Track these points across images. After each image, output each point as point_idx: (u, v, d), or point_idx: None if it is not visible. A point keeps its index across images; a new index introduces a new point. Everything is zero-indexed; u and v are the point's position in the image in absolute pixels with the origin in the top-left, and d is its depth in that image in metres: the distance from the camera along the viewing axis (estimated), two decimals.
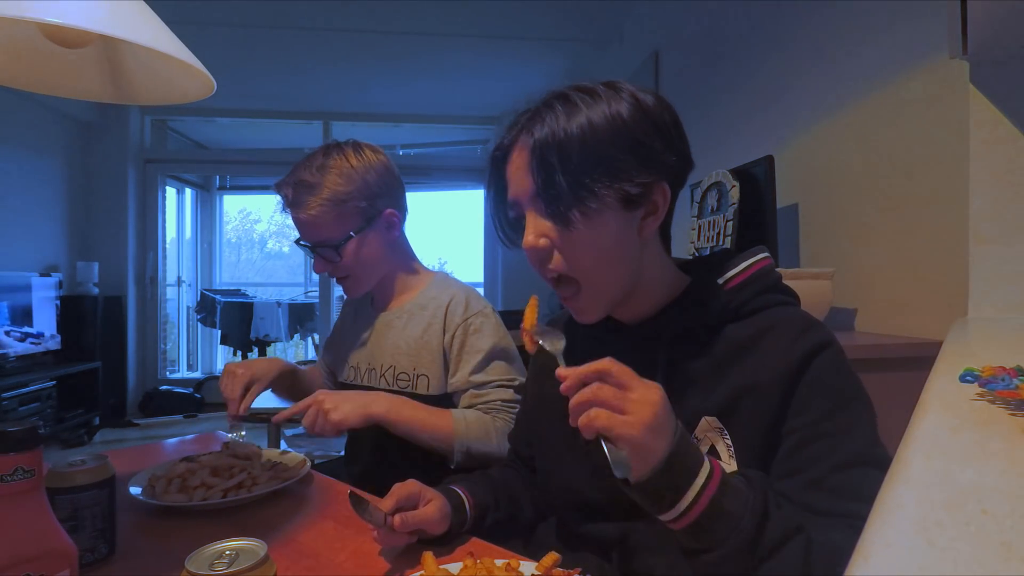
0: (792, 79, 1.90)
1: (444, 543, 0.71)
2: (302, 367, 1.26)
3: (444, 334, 1.09)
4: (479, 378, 1.05)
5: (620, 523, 0.69)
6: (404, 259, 1.18)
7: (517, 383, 1.07)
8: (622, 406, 0.51)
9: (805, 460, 0.58)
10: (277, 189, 1.09)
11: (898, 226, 1.46)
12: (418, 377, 1.09)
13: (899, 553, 0.21)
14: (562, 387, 0.54)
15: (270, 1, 3.20)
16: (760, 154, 1.58)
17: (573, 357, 0.78)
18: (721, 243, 1.64)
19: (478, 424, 1.00)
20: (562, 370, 0.55)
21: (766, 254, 0.70)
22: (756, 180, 1.57)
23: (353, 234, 1.06)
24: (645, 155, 0.63)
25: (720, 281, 0.68)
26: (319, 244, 1.07)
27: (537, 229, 0.64)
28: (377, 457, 1.12)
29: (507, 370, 1.08)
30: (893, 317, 1.47)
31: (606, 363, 0.53)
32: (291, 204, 1.05)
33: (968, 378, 0.47)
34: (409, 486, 0.71)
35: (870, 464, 0.57)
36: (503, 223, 0.72)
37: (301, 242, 1.10)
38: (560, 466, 0.76)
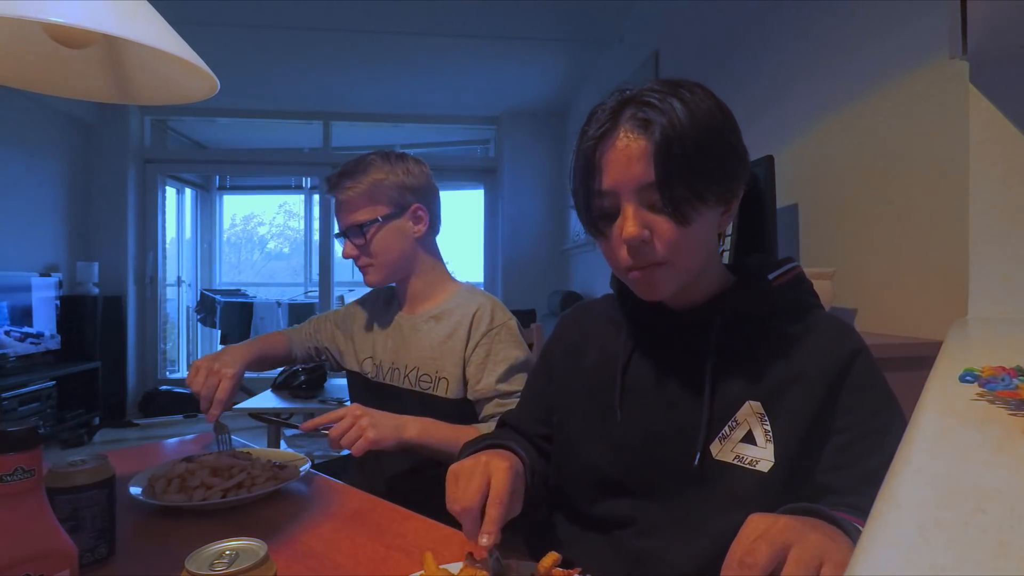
0: (792, 79, 1.90)
1: (444, 543, 0.71)
2: (263, 347, 1.22)
3: (468, 341, 1.12)
4: (505, 387, 1.09)
5: (633, 500, 0.71)
6: (433, 265, 1.23)
7: None
8: None
9: (856, 456, 0.64)
10: (325, 179, 1.21)
11: (898, 226, 1.46)
12: (439, 380, 1.12)
13: (899, 553, 0.21)
14: None
15: (270, 1, 3.20)
16: (760, 154, 1.58)
17: (586, 343, 0.78)
18: (721, 243, 1.63)
19: None
20: None
21: (798, 263, 0.76)
22: (756, 180, 1.57)
23: (380, 219, 1.15)
24: (739, 157, 0.70)
25: (770, 277, 0.73)
26: (349, 227, 1.15)
27: (640, 219, 0.65)
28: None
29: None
30: (893, 317, 1.47)
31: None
32: (333, 186, 1.17)
33: (968, 378, 0.47)
34: (502, 492, 0.63)
35: None
36: (588, 211, 0.69)
37: (338, 234, 1.20)
38: (580, 442, 0.77)
